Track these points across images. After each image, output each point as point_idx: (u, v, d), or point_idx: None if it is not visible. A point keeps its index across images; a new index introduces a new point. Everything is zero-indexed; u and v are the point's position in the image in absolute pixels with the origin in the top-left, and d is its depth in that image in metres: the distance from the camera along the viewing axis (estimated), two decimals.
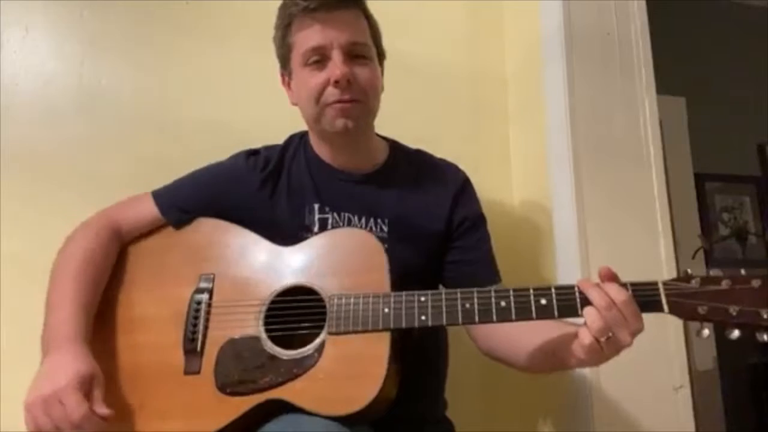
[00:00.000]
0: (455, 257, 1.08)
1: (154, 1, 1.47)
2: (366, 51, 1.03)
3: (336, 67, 0.98)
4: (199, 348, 0.93)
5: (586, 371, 1.21)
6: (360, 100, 1.01)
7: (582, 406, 1.22)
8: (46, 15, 1.43)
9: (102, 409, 0.83)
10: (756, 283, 0.75)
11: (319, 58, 0.99)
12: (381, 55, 1.09)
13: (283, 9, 1.04)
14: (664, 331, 1.27)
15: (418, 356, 0.98)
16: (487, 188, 1.54)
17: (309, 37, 0.99)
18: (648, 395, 1.23)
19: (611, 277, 0.79)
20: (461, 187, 1.12)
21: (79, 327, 0.91)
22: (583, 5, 1.41)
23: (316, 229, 1.03)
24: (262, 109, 1.44)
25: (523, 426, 1.44)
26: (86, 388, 0.83)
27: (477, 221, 1.12)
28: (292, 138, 1.15)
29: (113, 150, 1.39)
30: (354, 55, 1.00)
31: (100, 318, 1.01)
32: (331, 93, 0.99)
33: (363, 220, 1.05)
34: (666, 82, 1.53)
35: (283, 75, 1.09)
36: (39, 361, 1.25)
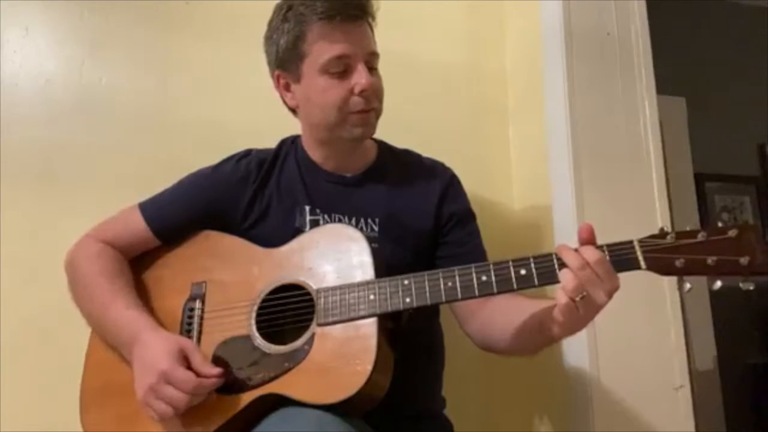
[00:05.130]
0: (446, 252, 1.10)
1: (154, 1, 1.47)
2: (377, 61, 1.07)
3: (363, 77, 1.00)
4: None
5: (586, 370, 1.21)
6: (376, 108, 1.05)
7: (582, 406, 1.22)
8: (46, 15, 1.43)
9: (208, 370, 0.87)
10: (732, 233, 0.75)
11: (344, 67, 1.01)
12: None
13: (292, 13, 1.02)
14: (664, 331, 1.27)
15: (414, 352, 0.99)
16: (487, 188, 1.54)
17: (333, 46, 1.00)
18: (648, 395, 1.23)
19: (589, 237, 0.80)
20: (448, 184, 1.14)
21: (141, 313, 0.95)
22: (583, 5, 1.41)
23: (307, 230, 1.04)
24: (261, 109, 1.43)
25: (523, 425, 1.45)
26: (184, 359, 0.87)
27: (465, 217, 1.14)
28: (283, 142, 1.17)
29: (113, 150, 1.39)
30: (370, 65, 1.04)
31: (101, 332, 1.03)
32: (357, 102, 1.02)
33: (353, 221, 1.06)
34: (666, 82, 1.53)
35: (279, 77, 1.08)
36: (39, 361, 1.26)
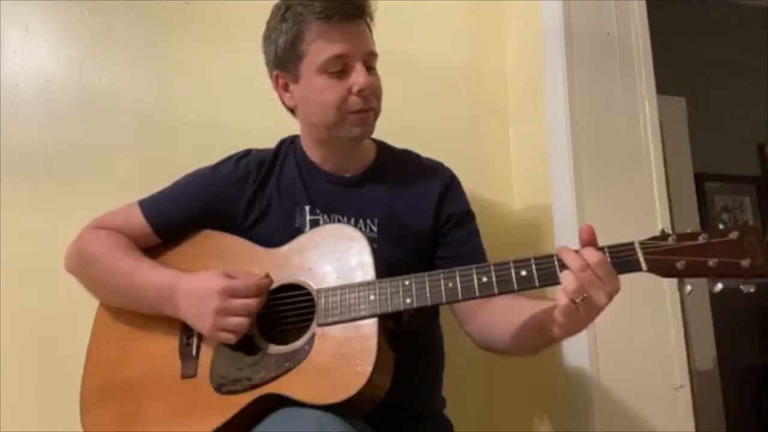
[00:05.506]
0: (445, 253, 1.10)
1: (155, 1, 1.47)
2: (376, 61, 1.07)
3: (361, 76, 1.00)
4: (194, 352, 0.95)
5: (586, 370, 1.21)
6: (375, 108, 1.05)
7: (582, 406, 1.22)
8: (46, 15, 1.43)
9: (258, 277, 0.93)
10: (734, 235, 0.75)
11: (342, 67, 1.01)
12: None
13: (290, 12, 1.02)
14: (664, 331, 1.27)
15: (414, 352, 0.99)
16: (487, 188, 1.54)
17: (331, 46, 1.00)
18: (648, 395, 1.23)
19: (590, 238, 0.80)
20: (448, 184, 1.14)
21: (168, 268, 0.99)
22: (583, 5, 1.41)
23: (307, 231, 1.04)
24: (261, 109, 1.43)
25: (523, 425, 1.45)
26: (230, 276, 0.92)
27: (465, 217, 1.14)
28: (282, 142, 1.17)
29: (113, 150, 1.39)
30: (369, 65, 1.04)
31: (101, 331, 1.03)
32: (355, 102, 1.02)
33: (353, 221, 1.06)
34: (666, 82, 1.53)
35: (277, 77, 1.08)
36: (39, 361, 1.26)
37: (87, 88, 1.41)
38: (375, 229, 1.07)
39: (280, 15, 1.04)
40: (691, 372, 1.30)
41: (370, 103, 1.03)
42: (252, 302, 0.90)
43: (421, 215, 1.10)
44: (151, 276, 0.97)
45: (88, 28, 1.43)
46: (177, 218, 1.07)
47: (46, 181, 1.35)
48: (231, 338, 0.90)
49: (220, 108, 1.46)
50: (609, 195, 1.32)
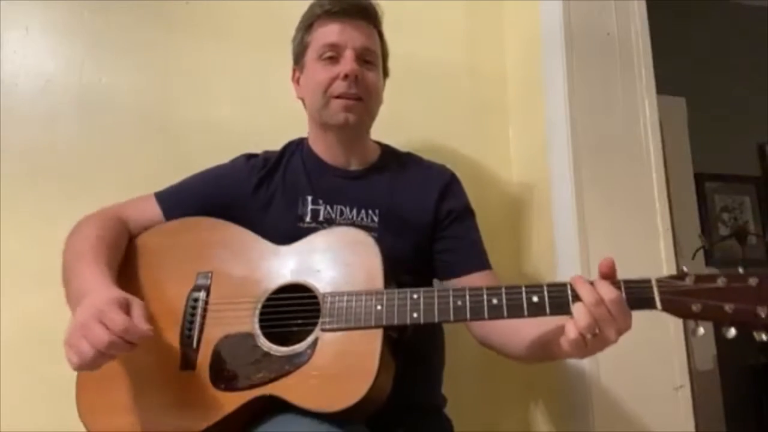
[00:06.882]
0: (444, 246, 1.12)
1: (154, 1, 1.47)
2: (375, 59, 1.13)
3: (347, 63, 1.07)
4: (195, 345, 0.93)
5: (586, 370, 1.21)
6: (363, 98, 1.09)
7: (582, 406, 1.22)
8: (46, 15, 1.43)
9: (143, 325, 0.80)
10: (753, 281, 0.74)
11: (334, 54, 1.09)
12: (385, 73, 1.20)
13: (307, 13, 1.14)
14: (664, 331, 1.27)
15: (413, 352, 0.99)
16: (487, 187, 1.54)
17: (327, 34, 1.10)
18: (648, 395, 1.23)
19: (609, 272, 0.79)
20: (448, 182, 1.17)
21: (105, 275, 0.90)
22: (583, 5, 1.41)
23: (308, 218, 1.07)
24: (261, 109, 1.44)
25: (523, 425, 1.45)
26: (125, 308, 0.81)
27: (464, 213, 1.16)
28: (289, 143, 1.21)
29: (113, 150, 1.39)
30: (364, 59, 1.11)
31: None
32: (339, 86, 1.07)
33: (354, 212, 1.08)
34: (666, 82, 1.53)
35: (294, 71, 1.18)
36: (39, 361, 1.26)
37: (87, 88, 1.41)
38: (376, 219, 1.09)
39: (302, 17, 1.15)
40: (691, 372, 1.30)
41: (353, 88, 1.07)
42: (105, 340, 0.77)
43: (421, 209, 1.12)
44: (78, 283, 0.90)
45: (88, 28, 1.44)
46: (190, 210, 1.08)
47: (46, 181, 1.35)
48: (72, 359, 0.79)
49: (220, 108, 1.46)
50: (609, 195, 1.32)
